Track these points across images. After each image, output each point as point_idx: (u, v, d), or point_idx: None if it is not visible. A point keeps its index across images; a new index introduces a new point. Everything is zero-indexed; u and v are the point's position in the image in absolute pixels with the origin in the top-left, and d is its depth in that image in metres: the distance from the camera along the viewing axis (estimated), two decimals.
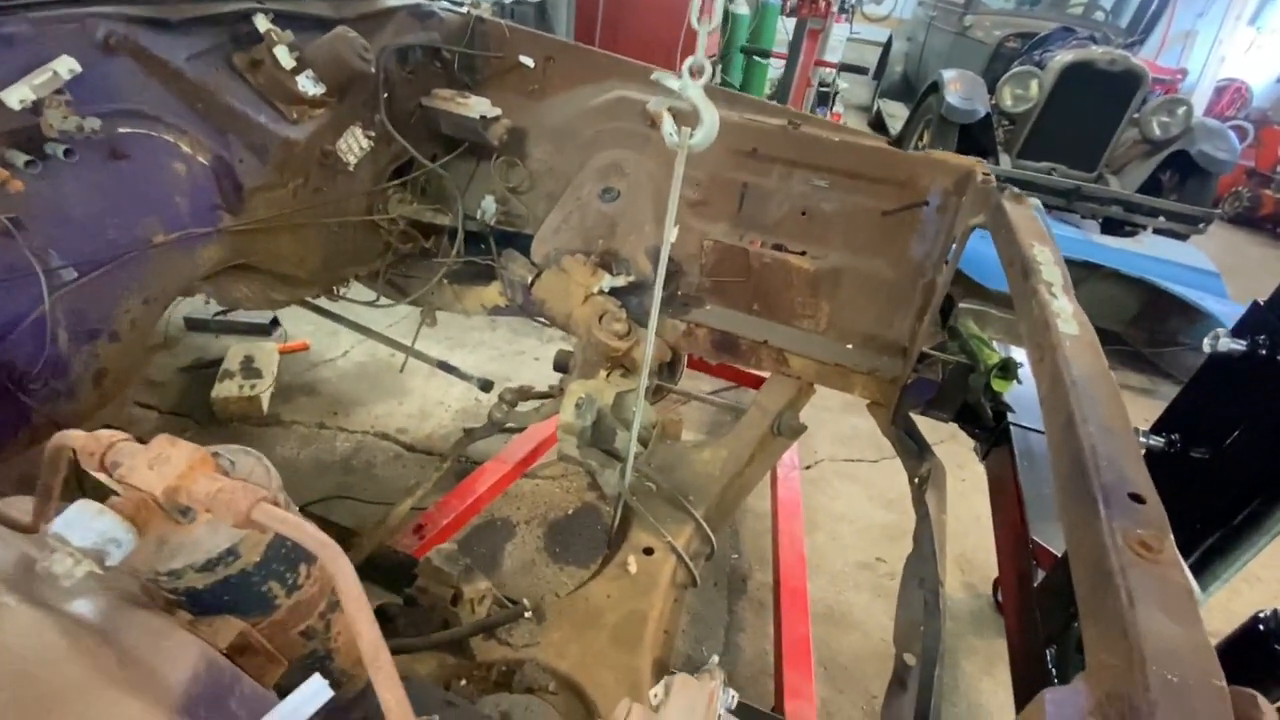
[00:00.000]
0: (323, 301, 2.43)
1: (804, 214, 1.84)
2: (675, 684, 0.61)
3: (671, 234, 1.26)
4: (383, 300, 2.35)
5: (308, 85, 1.51)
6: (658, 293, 1.37)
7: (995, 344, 1.84)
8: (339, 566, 0.47)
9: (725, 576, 2.75)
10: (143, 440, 0.57)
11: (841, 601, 2.73)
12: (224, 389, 3.10)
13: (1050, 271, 0.92)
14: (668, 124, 1.19)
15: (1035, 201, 1.27)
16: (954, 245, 1.62)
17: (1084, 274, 4.35)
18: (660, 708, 0.65)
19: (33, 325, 1.20)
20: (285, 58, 1.44)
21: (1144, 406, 4.34)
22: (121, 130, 1.25)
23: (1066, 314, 0.81)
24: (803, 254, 1.87)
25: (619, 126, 1.94)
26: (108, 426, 2.04)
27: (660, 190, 1.91)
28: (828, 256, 1.86)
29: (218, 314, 3.54)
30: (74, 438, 0.55)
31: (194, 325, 3.66)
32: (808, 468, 3.37)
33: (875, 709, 2.37)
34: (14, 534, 0.55)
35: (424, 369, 3.06)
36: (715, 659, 0.68)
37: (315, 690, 0.48)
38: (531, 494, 3.04)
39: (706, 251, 1.94)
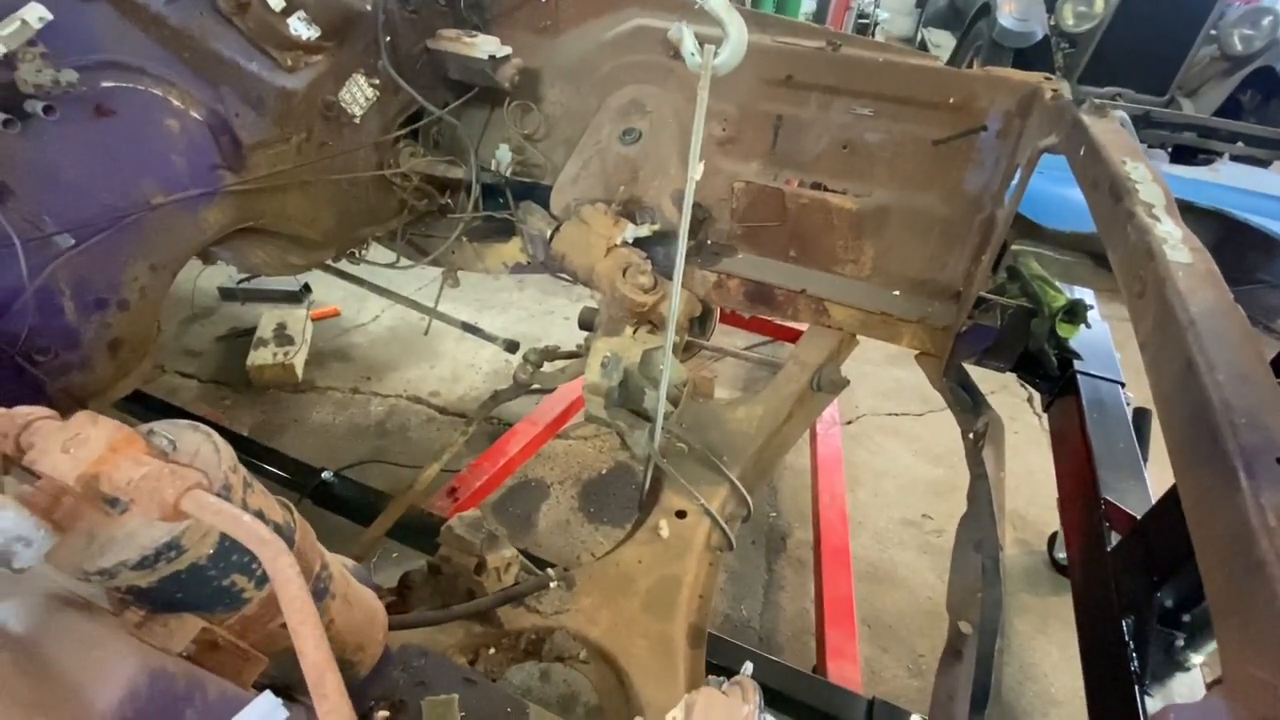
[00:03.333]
0: (346, 266, 2.38)
1: (845, 147, 1.67)
2: (699, 703, 0.52)
3: (697, 171, 1.13)
4: (403, 261, 2.28)
5: (300, 28, 1.40)
6: (683, 240, 1.26)
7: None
8: (280, 569, 0.39)
9: (763, 535, 2.69)
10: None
11: (885, 559, 2.64)
12: (259, 356, 3.12)
13: (1149, 190, 0.76)
14: (689, 42, 1.04)
15: (1121, 114, 1.09)
16: (1018, 175, 1.44)
17: None
18: None
19: (35, 296, 1.16)
20: None
21: None
22: (104, 84, 1.17)
23: (1174, 239, 0.67)
24: (844, 192, 1.71)
25: (638, 59, 1.78)
26: (141, 394, 2.02)
27: (686, 128, 1.76)
28: (872, 194, 1.69)
29: (241, 281, 3.55)
30: None
31: (228, 294, 3.69)
32: (848, 423, 3.25)
33: (921, 668, 2.30)
34: None
35: (454, 332, 3.02)
36: (749, 668, 0.59)
37: (266, 712, 0.42)
38: (564, 454, 3.02)
39: (737, 194, 1.80)
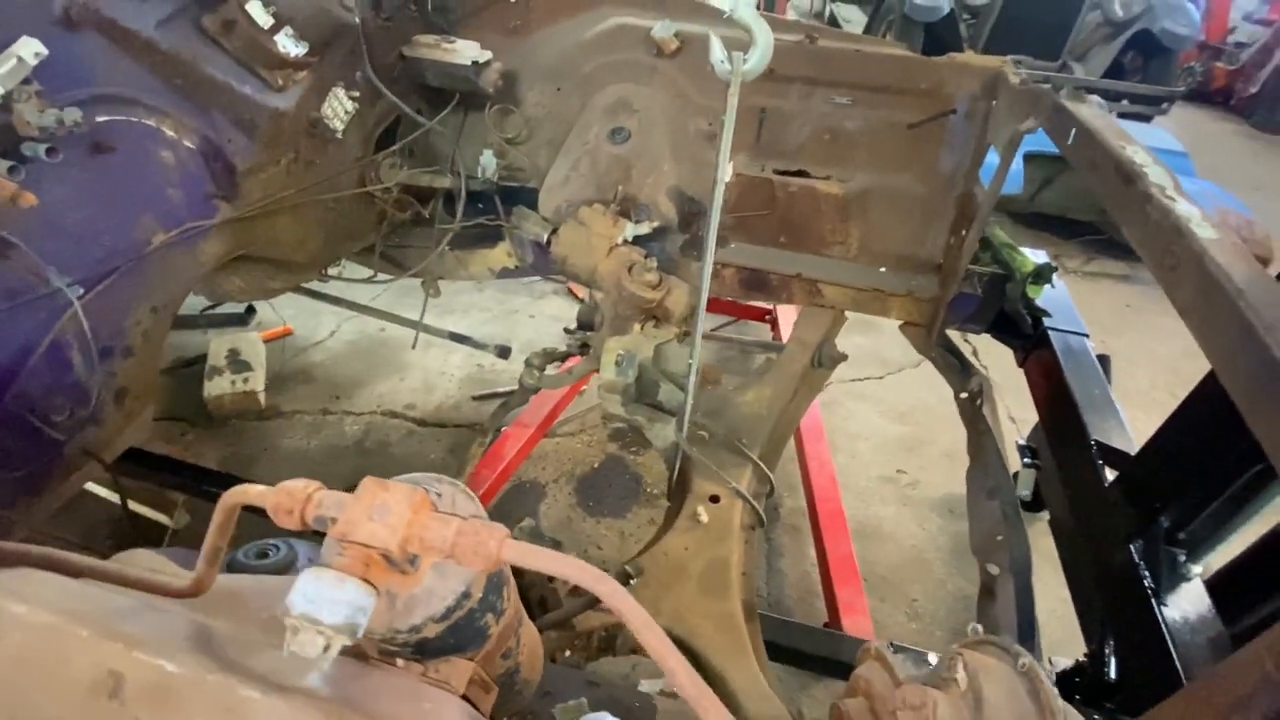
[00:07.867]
0: (313, 285, 2.28)
1: (827, 136, 1.76)
2: (974, 667, 0.54)
3: (727, 172, 1.18)
4: (381, 276, 2.21)
5: (288, 45, 1.34)
6: (711, 234, 1.31)
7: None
8: (621, 602, 0.42)
9: None
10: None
11: (871, 516, 2.82)
12: (216, 386, 2.94)
13: (1157, 173, 0.88)
14: (717, 51, 1.08)
15: (1096, 98, 1.22)
16: (995, 156, 1.57)
17: (1054, 167, 4.36)
18: (978, 706, 0.55)
19: (46, 354, 1.08)
20: (260, 14, 1.26)
21: (1124, 293, 4.47)
22: (100, 119, 1.09)
23: (1196, 218, 0.78)
24: (828, 178, 1.80)
25: (621, 59, 1.80)
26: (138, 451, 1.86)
27: (675, 125, 1.80)
28: (854, 178, 1.79)
29: (206, 309, 3.32)
30: (255, 495, 0.47)
31: None
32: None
33: (918, 612, 2.49)
34: (170, 602, 0.49)
35: (418, 340, 2.94)
36: (978, 628, 0.64)
37: None
38: (555, 453, 3.03)
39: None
